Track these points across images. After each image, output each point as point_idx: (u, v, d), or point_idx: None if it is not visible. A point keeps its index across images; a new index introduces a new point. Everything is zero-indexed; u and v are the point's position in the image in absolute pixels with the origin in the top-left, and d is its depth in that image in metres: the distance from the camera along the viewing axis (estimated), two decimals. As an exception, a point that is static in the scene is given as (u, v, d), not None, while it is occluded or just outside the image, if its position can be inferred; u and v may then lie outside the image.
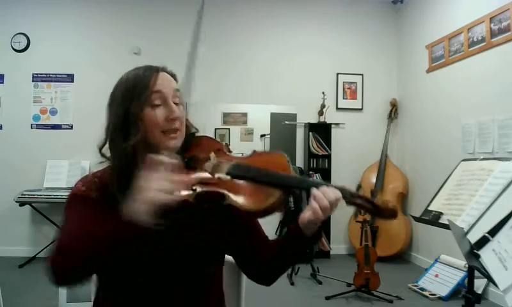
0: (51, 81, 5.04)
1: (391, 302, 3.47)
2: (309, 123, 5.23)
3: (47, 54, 5.02)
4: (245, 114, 5.34)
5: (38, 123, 5.02)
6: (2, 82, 4.97)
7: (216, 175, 1.02)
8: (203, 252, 1.09)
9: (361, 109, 5.42)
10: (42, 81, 5.03)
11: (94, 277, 1.08)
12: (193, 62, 4.80)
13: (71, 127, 5.04)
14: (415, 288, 3.84)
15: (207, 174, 1.03)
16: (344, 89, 5.41)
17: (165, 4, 5.21)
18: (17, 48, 4.98)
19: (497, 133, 3.59)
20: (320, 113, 5.24)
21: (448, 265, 3.85)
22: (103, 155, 1.08)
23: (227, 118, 5.32)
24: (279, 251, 1.13)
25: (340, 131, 5.34)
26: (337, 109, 5.38)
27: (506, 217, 1.14)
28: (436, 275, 3.85)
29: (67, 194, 1.10)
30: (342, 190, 1.00)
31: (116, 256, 0.91)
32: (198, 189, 0.99)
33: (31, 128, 5.00)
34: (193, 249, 1.07)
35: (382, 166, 5.10)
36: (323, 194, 0.99)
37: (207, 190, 1.00)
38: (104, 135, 1.08)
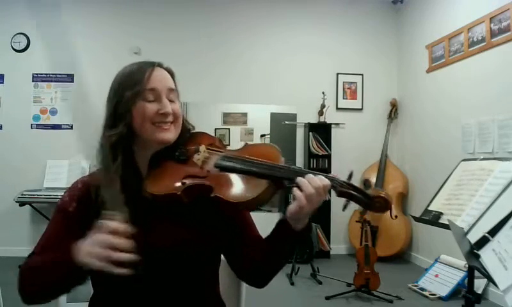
0: (51, 81, 5.04)
1: (391, 302, 3.47)
2: (309, 123, 5.23)
3: (47, 54, 5.02)
4: (245, 114, 5.34)
5: (38, 123, 5.02)
6: (2, 82, 4.97)
7: (205, 168, 1.02)
8: (196, 252, 1.06)
9: (361, 109, 5.42)
10: (42, 81, 5.03)
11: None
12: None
13: (71, 127, 5.04)
14: (415, 288, 3.84)
15: (195, 168, 1.02)
16: (344, 89, 5.41)
17: (165, 4, 5.21)
18: (17, 48, 4.98)
19: (497, 133, 3.59)
20: (320, 113, 5.24)
21: (448, 265, 3.85)
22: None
23: (227, 118, 5.32)
24: (268, 247, 1.09)
25: (340, 131, 5.34)
26: (337, 109, 5.38)
27: (506, 217, 1.14)
28: (436, 275, 3.85)
29: (67, 194, 1.11)
30: (331, 179, 0.95)
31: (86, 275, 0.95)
32: (187, 183, 0.99)
33: (31, 128, 5.00)
34: (185, 248, 1.04)
35: (382, 166, 5.10)
36: (308, 181, 0.94)
37: (195, 183, 0.99)
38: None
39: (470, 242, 1.26)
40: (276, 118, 5.25)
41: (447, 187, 1.82)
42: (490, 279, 1.07)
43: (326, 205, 4.81)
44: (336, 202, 1.14)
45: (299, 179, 0.95)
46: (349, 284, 3.68)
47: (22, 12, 4.99)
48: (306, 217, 1.00)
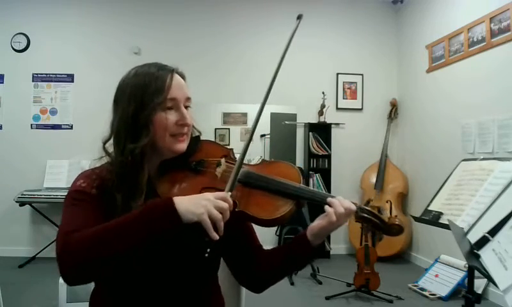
0: (51, 81, 5.04)
1: (391, 302, 3.47)
2: (309, 123, 5.22)
3: (47, 54, 5.02)
4: (245, 114, 5.34)
5: (38, 123, 5.02)
6: (2, 82, 4.97)
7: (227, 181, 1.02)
8: (198, 257, 1.04)
9: (361, 109, 5.42)
10: (42, 81, 5.03)
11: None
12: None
13: (71, 127, 5.04)
14: (415, 288, 3.84)
15: (214, 180, 1.04)
16: (344, 89, 5.41)
17: (165, 4, 5.21)
18: (17, 48, 4.98)
19: (497, 133, 3.59)
20: (320, 113, 5.24)
21: (448, 265, 3.85)
22: (106, 151, 1.06)
23: (227, 118, 5.32)
24: (281, 259, 1.13)
25: (340, 131, 5.34)
26: (337, 109, 5.37)
27: (506, 217, 1.14)
28: (436, 275, 3.85)
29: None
30: (355, 204, 1.04)
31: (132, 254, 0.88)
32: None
33: (31, 128, 5.00)
34: (190, 253, 1.04)
35: (382, 166, 5.10)
36: (339, 202, 1.02)
37: None
38: (110, 130, 1.05)
39: (470, 242, 1.26)
40: (276, 118, 5.25)
41: (447, 187, 1.82)
42: (490, 279, 1.07)
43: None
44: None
45: (332, 199, 1.03)
46: (349, 284, 3.68)
47: (22, 12, 4.99)
48: (325, 235, 1.07)
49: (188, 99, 1.08)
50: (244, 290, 1.34)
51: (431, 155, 4.63)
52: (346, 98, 5.41)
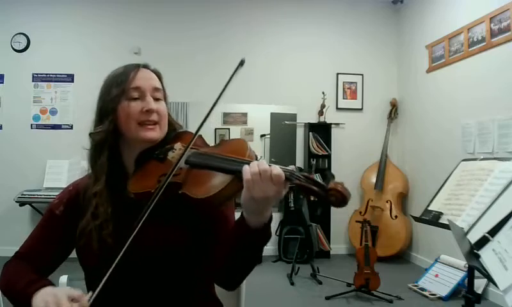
0: (51, 81, 5.04)
1: (391, 302, 3.47)
2: (309, 123, 5.22)
3: (47, 54, 5.02)
4: (245, 114, 5.34)
5: (38, 123, 5.02)
6: (2, 82, 4.97)
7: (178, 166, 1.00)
8: (178, 252, 1.04)
9: (361, 109, 5.42)
10: (42, 81, 5.03)
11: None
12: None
13: (71, 127, 5.04)
14: (415, 288, 3.84)
15: (170, 166, 1.01)
16: (344, 89, 5.41)
17: (165, 4, 5.21)
18: (17, 48, 4.98)
19: (497, 133, 3.59)
20: (320, 113, 5.24)
21: (448, 265, 3.85)
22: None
23: (227, 117, 5.32)
24: (230, 245, 0.99)
25: (340, 131, 5.34)
26: (337, 109, 5.37)
27: (506, 217, 1.14)
28: (436, 275, 3.85)
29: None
30: (285, 170, 0.88)
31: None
32: (161, 181, 0.98)
33: (31, 128, 5.00)
34: (167, 248, 1.03)
35: (382, 166, 5.10)
36: (249, 167, 0.87)
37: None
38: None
39: (470, 242, 1.26)
40: (276, 118, 5.26)
41: (447, 187, 1.82)
42: (490, 279, 1.07)
43: (326, 205, 4.81)
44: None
45: (243, 166, 0.89)
46: (349, 284, 3.68)
47: (22, 12, 4.99)
48: (258, 210, 0.91)
49: (156, 89, 1.10)
50: (243, 290, 1.34)
51: (431, 155, 4.63)
52: (346, 98, 5.41)
